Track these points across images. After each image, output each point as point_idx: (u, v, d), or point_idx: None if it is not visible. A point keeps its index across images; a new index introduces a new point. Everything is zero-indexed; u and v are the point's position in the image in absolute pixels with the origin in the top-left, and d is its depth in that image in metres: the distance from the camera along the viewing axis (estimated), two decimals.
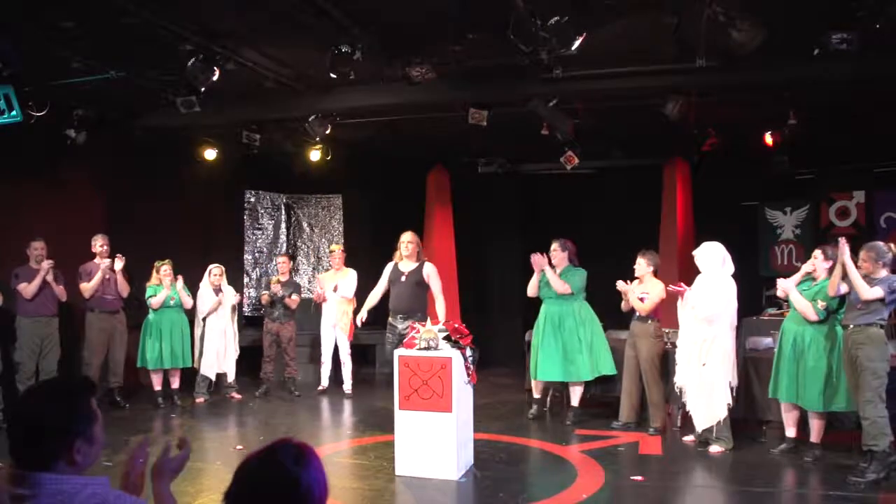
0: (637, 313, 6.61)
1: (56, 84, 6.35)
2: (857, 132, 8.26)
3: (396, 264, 6.79)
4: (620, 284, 6.62)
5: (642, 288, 6.64)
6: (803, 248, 9.38)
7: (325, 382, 8.56)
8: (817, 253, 5.73)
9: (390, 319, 6.70)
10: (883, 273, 5.16)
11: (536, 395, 7.18)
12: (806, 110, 7.07)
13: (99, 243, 7.45)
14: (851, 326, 5.19)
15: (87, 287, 7.30)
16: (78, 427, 1.75)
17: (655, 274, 6.80)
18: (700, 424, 5.97)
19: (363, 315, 6.97)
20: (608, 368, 6.85)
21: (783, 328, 5.80)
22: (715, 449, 5.88)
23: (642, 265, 6.67)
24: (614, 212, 9.78)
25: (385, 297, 6.86)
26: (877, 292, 5.03)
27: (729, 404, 5.86)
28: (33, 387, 2.06)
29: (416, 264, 6.71)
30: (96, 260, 7.44)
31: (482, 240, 10.76)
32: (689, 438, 6.18)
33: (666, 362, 6.60)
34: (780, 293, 5.98)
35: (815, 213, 9.88)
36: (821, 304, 5.48)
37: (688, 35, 5.38)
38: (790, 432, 5.81)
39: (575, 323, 6.82)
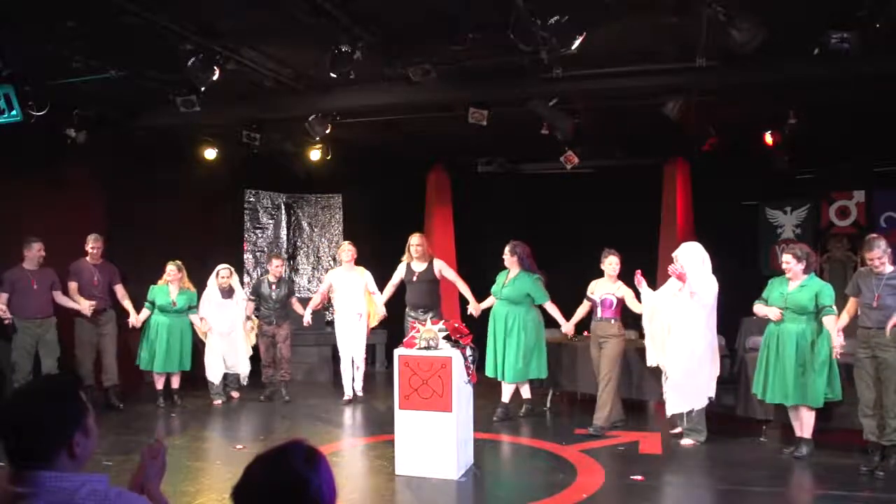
0: (599, 315, 6.55)
1: (56, 84, 6.34)
2: (858, 132, 8.26)
3: (409, 264, 7.47)
4: (638, 279, 6.21)
5: (616, 287, 6.55)
6: None
7: (349, 392, 8.02)
8: (787, 258, 5.64)
9: (411, 312, 7.32)
10: (889, 269, 5.20)
11: (504, 399, 7.04)
12: (806, 110, 7.07)
13: (90, 245, 7.43)
14: (874, 329, 5.20)
15: (74, 287, 7.30)
16: (75, 420, 1.76)
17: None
18: (671, 409, 5.97)
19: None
20: (541, 373, 6.95)
21: (776, 332, 5.62)
22: (686, 442, 5.91)
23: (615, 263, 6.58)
24: (614, 212, 9.77)
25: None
26: None
27: (710, 397, 5.89)
28: (22, 388, 2.09)
29: (426, 264, 7.42)
30: (87, 259, 7.44)
31: (482, 240, 10.74)
32: (675, 431, 6.19)
33: (626, 360, 6.66)
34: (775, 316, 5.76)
35: (815, 212, 9.88)
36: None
37: (688, 35, 5.38)
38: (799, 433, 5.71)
39: (517, 327, 6.81)
